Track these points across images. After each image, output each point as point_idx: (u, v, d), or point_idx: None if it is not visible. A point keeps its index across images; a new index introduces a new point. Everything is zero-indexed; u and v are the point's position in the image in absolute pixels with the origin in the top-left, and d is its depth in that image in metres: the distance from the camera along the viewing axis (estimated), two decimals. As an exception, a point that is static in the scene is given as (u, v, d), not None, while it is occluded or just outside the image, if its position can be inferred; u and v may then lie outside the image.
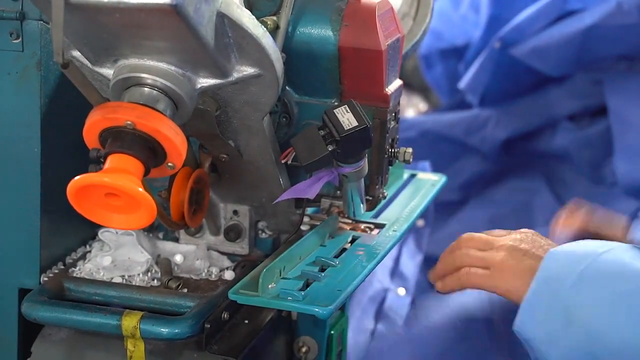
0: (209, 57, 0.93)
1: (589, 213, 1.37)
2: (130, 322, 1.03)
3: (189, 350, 1.06)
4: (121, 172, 0.89)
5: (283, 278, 1.04)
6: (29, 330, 1.12)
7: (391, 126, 1.13)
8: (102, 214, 0.91)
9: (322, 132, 1.00)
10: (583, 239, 1.08)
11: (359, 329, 1.49)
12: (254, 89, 1.00)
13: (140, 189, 0.88)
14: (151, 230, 1.23)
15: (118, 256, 1.15)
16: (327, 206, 1.19)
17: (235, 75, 0.98)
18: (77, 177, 0.88)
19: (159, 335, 1.02)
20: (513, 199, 1.93)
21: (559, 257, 1.02)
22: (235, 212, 1.19)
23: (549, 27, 1.93)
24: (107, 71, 0.97)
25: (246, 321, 1.13)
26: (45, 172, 1.11)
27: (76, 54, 0.98)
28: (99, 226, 1.18)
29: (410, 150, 1.16)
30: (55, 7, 0.85)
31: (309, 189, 1.06)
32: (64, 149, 1.13)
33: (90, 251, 1.19)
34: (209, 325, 1.04)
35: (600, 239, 1.07)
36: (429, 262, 1.67)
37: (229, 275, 1.15)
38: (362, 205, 1.13)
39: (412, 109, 2.50)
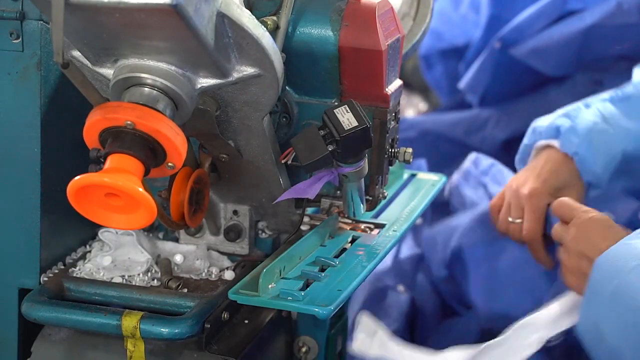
0: (209, 57, 0.93)
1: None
2: (130, 322, 1.03)
3: (189, 350, 1.06)
4: (121, 172, 0.89)
5: (283, 278, 1.04)
6: (29, 330, 1.12)
7: (391, 126, 1.13)
8: (102, 214, 0.91)
9: (322, 132, 1.00)
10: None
11: (359, 329, 1.50)
12: (254, 89, 1.00)
13: (140, 189, 0.88)
14: (151, 230, 1.23)
15: (118, 256, 1.15)
16: (327, 206, 1.19)
17: (235, 75, 0.98)
18: (77, 177, 0.88)
19: (159, 335, 1.02)
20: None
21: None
22: (235, 212, 1.19)
23: (549, 27, 1.93)
24: (107, 71, 0.97)
25: (246, 321, 1.13)
26: (45, 172, 1.11)
27: (76, 54, 0.98)
28: (99, 226, 1.18)
29: (410, 150, 1.16)
30: (55, 7, 0.85)
31: (309, 189, 1.06)
32: (64, 149, 1.13)
33: (90, 251, 1.19)
34: (209, 325, 1.04)
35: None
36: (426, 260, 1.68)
37: (229, 275, 1.15)
38: (362, 205, 1.13)
39: (412, 109, 2.50)
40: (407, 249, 1.71)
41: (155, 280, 1.13)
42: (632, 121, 1.43)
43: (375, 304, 1.61)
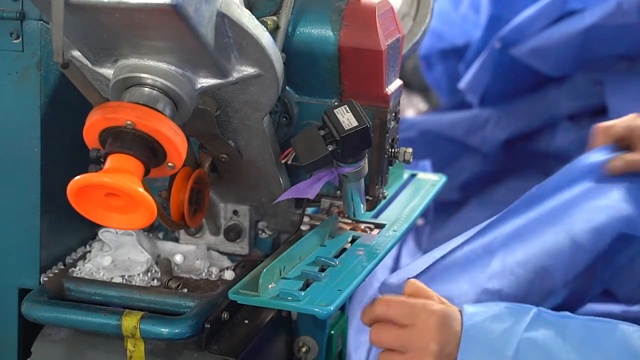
0: (209, 57, 0.93)
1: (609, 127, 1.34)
2: (130, 322, 1.03)
3: (189, 350, 1.06)
4: (121, 172, 0.89)
5: (283, 278, 1.04)
6: (29, 330, 1.12)
7: (391, 126, 1.13)
8: (102, 214, 0.92)
9: (322, 132, 1.00)
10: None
11: (359, 329, 1.50)
12: (254, 89, 1.00)
13: (140, 189, 0.88)
14: (151, 230, 1.23)
15: (118, 256, 1.15)
16: (327, 206, 1.19)
17: (235, 75, 0.98)
18: (77, 177, 0.88)
19: (159, 335, 1.03)
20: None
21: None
22: (235, 212, 1.19)
23: (549, 27, 1.93)
24: (107, 71, 0.97)
25: (246, 321, 1.13)
26: (45, 172, 1.11)
27: (76, 54, 0.98)
28: (99, 226, 1.18)
29: (410, 150, 1.16)
30: (55, 7, 0.85)
31: (309, 189, 1.06)
32: (64, 149, 1.13)
33: (90, 251, 1.19)
34: (209, 325, 1.04)
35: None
36: None
37: (229, 275, 1.15)
38: (362, 205, 1.13)
39: (412, 109, 2.50)
40: (409, 251, 1.71)
41: (155, 280, 1.13)
42: None
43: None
